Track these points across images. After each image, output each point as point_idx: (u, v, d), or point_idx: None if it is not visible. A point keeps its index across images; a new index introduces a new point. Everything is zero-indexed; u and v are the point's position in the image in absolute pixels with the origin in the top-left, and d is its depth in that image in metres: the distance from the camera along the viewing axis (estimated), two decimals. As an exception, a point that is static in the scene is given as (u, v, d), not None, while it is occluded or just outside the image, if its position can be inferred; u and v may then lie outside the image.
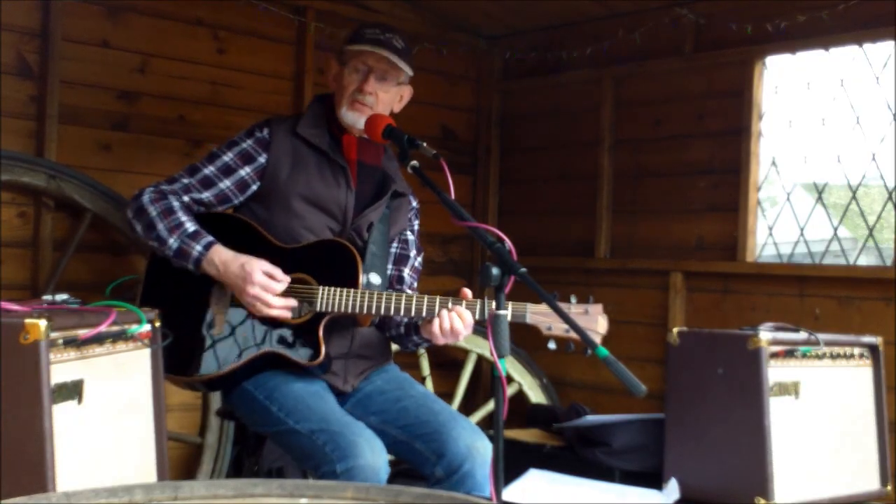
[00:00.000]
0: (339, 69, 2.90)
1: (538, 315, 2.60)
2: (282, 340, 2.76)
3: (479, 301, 2.64)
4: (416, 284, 3.04)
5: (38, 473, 2.17)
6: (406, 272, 3.00)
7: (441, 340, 2.68)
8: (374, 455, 2.54)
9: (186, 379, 2.83)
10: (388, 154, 3.00)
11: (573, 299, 2.63)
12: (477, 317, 2.65)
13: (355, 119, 2.84)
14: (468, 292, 2.65)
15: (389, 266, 2.97)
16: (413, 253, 3.04)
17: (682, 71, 4.45)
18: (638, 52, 4.50)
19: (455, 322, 2.62)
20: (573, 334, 2.49)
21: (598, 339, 2.48)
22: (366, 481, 2.49)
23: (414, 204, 3.07)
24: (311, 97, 3.35)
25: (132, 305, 2.61)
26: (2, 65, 3.62)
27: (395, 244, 3.00)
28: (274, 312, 2.71)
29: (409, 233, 3.04)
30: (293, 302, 2.73)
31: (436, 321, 2.63)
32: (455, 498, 1.64)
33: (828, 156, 4.23)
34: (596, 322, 2.60)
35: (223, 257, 2.73)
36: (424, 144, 2.57)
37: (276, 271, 2.72)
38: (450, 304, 2.64)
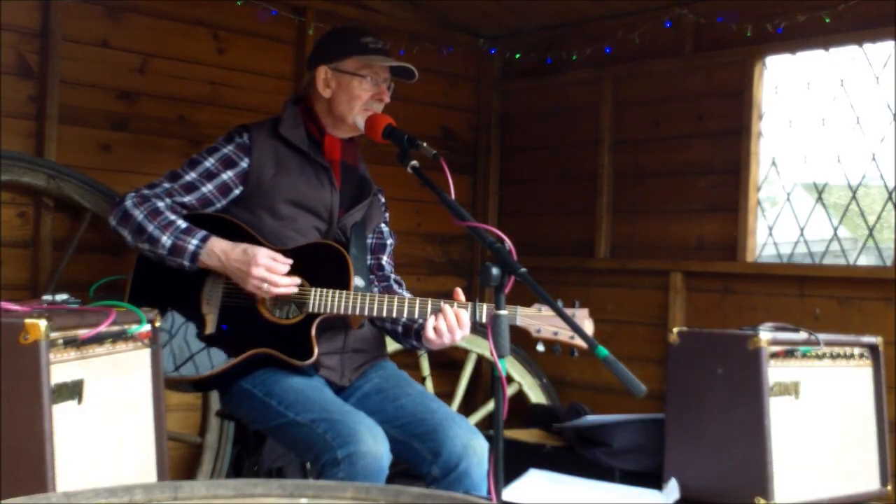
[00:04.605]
0: (336, 76, 2.89)
1: (528, 318, 2.65)
2: (274, 341, 2.75)
3: (470, 304, 2.67)
4: (393, 271, 3.08)
5: (38, 473, 2.17)
6: (385, 259, 3.06)
7: (437, 343, 2.69)
8: (376, 442, 2.55)
9: (175, 378, 2.82)
10: (358, 154, 3.04)
11: (559, 303, 2.63)
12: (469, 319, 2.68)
13: None
14: (460, 292, 2.69)
15: (368, 256, 3.01)
16: (390, 241, 3.09)
17: (681, 71, 4.45)
18: (638, 52, 4.50)
19: (451, 321, 2.65)
20: (561, 337, 2.64)
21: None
22: (367, 468, 2.50)
23: (383, 199, 3.12)
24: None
25: (132, 306, 2.61)
26: (2, 65, 3.62)
27: (370, 236, 3.04)
28: (281, 290, 2.71)
29: (382, 224, 3.09)
30: (297, 279, 2.74)
31: (431, 319, 2.66)
32: (455, 498, 1.64)
33: (828, 156, 4.23)
34: (582, 326, 2.61)
35: (223, 247, 2.74)
36: (424, 144, 2.57)
37: (279, 256, 2.73)
38: (455, 306, 2.66)
